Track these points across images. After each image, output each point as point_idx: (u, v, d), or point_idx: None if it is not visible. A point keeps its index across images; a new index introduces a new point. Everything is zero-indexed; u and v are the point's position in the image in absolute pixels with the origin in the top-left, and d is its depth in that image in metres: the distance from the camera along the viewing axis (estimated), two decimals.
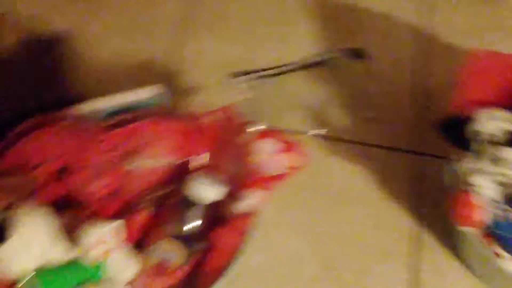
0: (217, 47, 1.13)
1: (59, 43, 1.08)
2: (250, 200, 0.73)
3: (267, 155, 0.71)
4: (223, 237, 0.73)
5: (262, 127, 0.88)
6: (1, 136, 0.71)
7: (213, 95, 1.01)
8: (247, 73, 1.08)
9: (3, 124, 0.72)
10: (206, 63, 1.10)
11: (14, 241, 0.64)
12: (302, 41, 1.13)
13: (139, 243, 0.78)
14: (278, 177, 0.72)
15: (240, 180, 0.76)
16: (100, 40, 1.11)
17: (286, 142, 0.72)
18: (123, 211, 0.78)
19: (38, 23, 1.11)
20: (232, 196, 0.75)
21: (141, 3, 1.17)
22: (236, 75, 1.08)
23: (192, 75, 1.08)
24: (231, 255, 0.75)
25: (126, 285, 0.75)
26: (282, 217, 0.90)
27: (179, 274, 0.76)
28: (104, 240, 0.67)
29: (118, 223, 0.70)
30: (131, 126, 0.74)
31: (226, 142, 0.79)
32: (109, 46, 1.10)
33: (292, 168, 0.72)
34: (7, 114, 0.73)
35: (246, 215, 0.73)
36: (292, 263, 0.88)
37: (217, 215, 0.76)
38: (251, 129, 0.81)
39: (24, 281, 0.66)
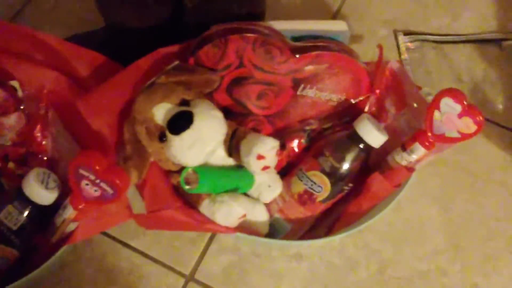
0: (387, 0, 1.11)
1: None
2: (413, 156, 0.72)
3: (441, 115, 0.70)
4: (377, 184, 0.73)
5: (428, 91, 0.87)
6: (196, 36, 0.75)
7: (374, 49, 1.00)
8: (413, 33, 1.06)
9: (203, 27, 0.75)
10: (373, 14, 1.09)
11: (192, 132, 0.68)
12: (480, 14, 1.08)
13: (289, 168, 0.81)
14: (449, 140, 0.70)
15: (403, 134, 0.76)
16: None
17: (466, 106, 0.70)
18: (281, 134, 0.81)
19: None
20: (394, 147, 0.75)
21: None
22: (403, 33, 1.06)
23: (358, 23, 1.07)
24: (376, 203, 0.76)
25: (266, 204, 0.79)
26: (422, 184, 0.89)
27: (320, 208, 0.78)
28: (266, 155, 0.70)
29: (278, 143, 0.72)
30: (316, 53, 0.75)
31: (396, 93, 0.79)
32: None
33: (464, 134, 0.70)
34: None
35: (405, 169, 0.73)
36: (419, 230, 0.88)
37: (373, 161, 0.77)
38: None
39: (187, 171, 0.69)
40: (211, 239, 0.85)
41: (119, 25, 0.88)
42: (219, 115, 0.71)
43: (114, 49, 0.85)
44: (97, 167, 0.65)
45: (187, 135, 0.68)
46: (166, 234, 0.85)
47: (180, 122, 0.68)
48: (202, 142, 0.69)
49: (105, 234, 0.86)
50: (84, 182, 0.66)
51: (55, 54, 0.79)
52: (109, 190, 0.66)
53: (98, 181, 0.65)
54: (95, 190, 0.66)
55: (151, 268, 0.83)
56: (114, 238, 0.85)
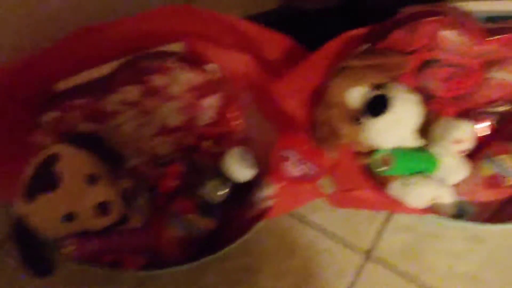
0: None
1: None
2: None
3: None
4: None
5: None
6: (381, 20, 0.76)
7: None
8: None
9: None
10: None
11: (390, 115, 0.70)
12: None
13: (476, 151, 0.80)
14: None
15: None
16: None
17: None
18: (465, 116, 0.80)
19: None
20: None
21: None
22: None
23: None
24: None
25: (453, 187, 0.79)
26: None
27: (508, 192, 0.77)
28: (463, 140, 0.70)
29: (474, 127, 0.72)
30: (509, 35, 0.73)
31: None
32: None
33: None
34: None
35: None
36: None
37: None
38: None
39: (381, 153, 0.71)
40: (388, 217, 0.87)
41: (296, 6, 0.90)
42: (415, 98, 0.72)
43: (287, 31, 0.88)
44: (301, 148, 0.68)
45: (384, 118, 0.70)
46: (342, 211, 0.87)
47: (378, 105, 0.70)
48: (399, 125, 0.71)
49: None
50: (287, 162, 0.70)
51: (244, 37, 0.82)
52: (311, 170, 0.69)
53: (302, 161, 0.69)
54: (298, 170, 0.70)
55: (329, 243, 0.87)
56: (293, 214, 0.89)
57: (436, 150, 0.74)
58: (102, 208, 0.73)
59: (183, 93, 0.80)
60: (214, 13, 0.84)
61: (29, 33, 0.87)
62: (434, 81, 0.78)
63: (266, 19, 0.94)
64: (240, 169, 0.75)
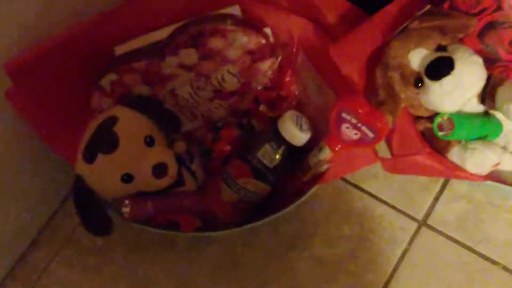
0: None
1: None
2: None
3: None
4: None
5: None
6: None
7: None
8: None
9: None
10: None
11: (453, 78, 0.68)
12: None
13: None
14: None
15: None
16: None
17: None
18: None
19: None
20: None
21: None
22: None
23: None
24: None
25: None
26: None
27: None
28: None
29: None
30: None
31: None
32: None
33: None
34: None
35: None
36: None
37: None
38: None
39: (442, 117, 0.70)
40: (443, 185, 0.85)
41: None
42: (479, 60, 0.69)
43: None
44: (360, 111, 0.67)
45: (447, 81, 0.68)
46: (397, 178, 0.86)
47: (441, 68, 0.68)
48: (463, 88, 0.68)
49: None
50: (345, 125, 0.69)
51: (301, 0, 0.81)
52: (370, 134, 0.68)
53: (359, 124, 0.68)
54: (355, 134, 0.69)
55: (383, 210, 0.86)
56: (346, 180, 0.89)
57: (499, 115, 0.72)
58: (159, 169, 0.74)
59: (240, 56, 0.79)
60: None
61: None
62: (499, 44, 0.75)
63: None
64: (295, 133, 0.74)
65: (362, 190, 0.87)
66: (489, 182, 0.72)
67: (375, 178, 0.87)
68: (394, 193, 0.86)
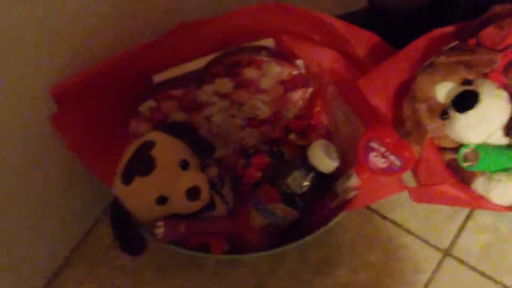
0: None
1: None
2: None
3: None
4: None
5: None
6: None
7: None
8: None
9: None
10: None
11: (478, 111, 0.71)
12: None
13: None
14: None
15: None
16: None
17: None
18: None
19: None
20: None
21: None
22: None
23: None
24: None
25: None
26: None
27: None
28: None
29: None
30: None
31: None
32: None
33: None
34: None
35: None
36: None
37: None
38: None
39: (467, 148, 0.72)
40: (468, 215, 0.87)
41: (386, 5, 0.92)
42: (504, 94, 0.72)
43: (376, 30, 0.90)
44: (388, 140, 0.70)
45: (473, 113, 0.71)
46: (422, 208, 0.88)
47: (466, 101, 0.71)
48: (487, 121, 0.71)
49: None
50: (373, 154, 0.72)
51: (332, 34, 0.84)
52: (397, 163, 0.71)
53: (387, 153, 0.71)
54: (383, 162, 0.72)
55: (408, 240, 0.88)
56: (371, 209, 0.91)
57: None
58: (193, 192, 0.77)
59: (272, 86, 0.83)
60: (305, 10, 0.86)
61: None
62: None
63: (355, 18, 0.97)
64: (324, 161, 0.77)
65: (387, 218, 0.89)
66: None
67: (402, 206, 0.89)
68: (419, 223, 0.88)
